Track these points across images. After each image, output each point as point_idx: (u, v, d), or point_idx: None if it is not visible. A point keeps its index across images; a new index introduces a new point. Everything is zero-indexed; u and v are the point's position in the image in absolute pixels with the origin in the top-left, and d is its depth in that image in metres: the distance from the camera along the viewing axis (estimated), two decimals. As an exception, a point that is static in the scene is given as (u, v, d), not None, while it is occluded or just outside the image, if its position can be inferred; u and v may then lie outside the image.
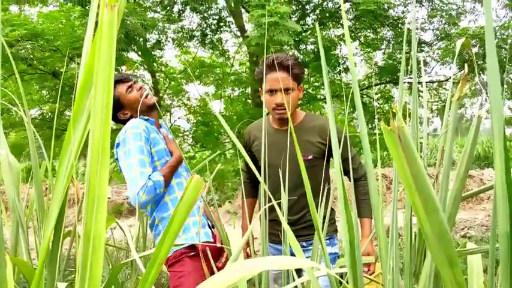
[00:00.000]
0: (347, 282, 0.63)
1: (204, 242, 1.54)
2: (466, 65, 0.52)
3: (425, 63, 4.30)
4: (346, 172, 1.59)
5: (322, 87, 4.87)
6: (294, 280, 1.04)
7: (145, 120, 1.65)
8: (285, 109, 1.57)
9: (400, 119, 0.38)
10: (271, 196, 0.75)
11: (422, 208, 0.40)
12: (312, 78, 4.83)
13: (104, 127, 0.46)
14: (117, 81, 1.69)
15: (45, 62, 3.75)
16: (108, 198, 8.59)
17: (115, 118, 1.69)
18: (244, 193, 1.42)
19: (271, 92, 1.57)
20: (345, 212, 0.64)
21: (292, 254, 1.52)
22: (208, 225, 1.66)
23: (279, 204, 1.04)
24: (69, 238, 1.35)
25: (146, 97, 1.64)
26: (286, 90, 1.55)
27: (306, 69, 4.40)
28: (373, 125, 4.63)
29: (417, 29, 3.92)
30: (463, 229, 6.06)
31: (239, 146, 0.76)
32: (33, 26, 3.36)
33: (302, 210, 1.66)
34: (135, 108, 1.63)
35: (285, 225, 0.62)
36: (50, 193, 1.23)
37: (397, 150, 0.39)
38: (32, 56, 3.60)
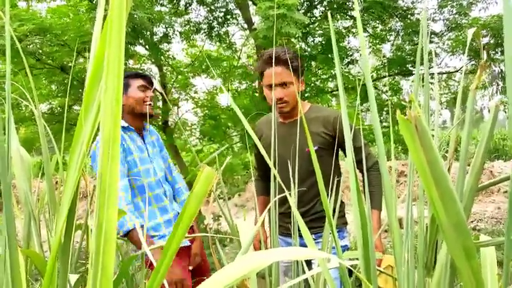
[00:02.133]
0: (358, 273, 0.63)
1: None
2: (484, 51, 0.51)
3: (436, 55, 4.24)
4: (356, 162, 1.58)
5: (330, 79, 4.83)
6: (304, 273, 1.04)
7: (125, 128, 1.67)
8: (285, 103, 1.57)
9: (417, 107, 0.37)
10: (284, 187, 0.74)
11: (438, 198, 0.39)
12: (319, 71, 4.79)
13: (114, 120, 0.46)
14: (140, 76, 1.71)
15: (53, 57, 3.76)
16: (117, 192, 8.66)
17: None
18: (255, 191, 1.43)
19: (271, 86, 1.57)
20: (358, 204, 0.63)
21: (302, 246, 1.52)
22: None
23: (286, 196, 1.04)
24: (80, 231, 1.36)
25: (149, 105, 1.68)
26: (286, 84, 1.55)
27: (313, 62, 4.36)
28: (382, 117, 4.59)
29: (427, 19, 3.86)
30: (472, 222, 6.02)
31: (254, 137, 0.75)
32: (41, 20, 3.38)
33: (310, 202, 1.66)
34: (130, 104, 1.64)
35: (297, 216, 0.62)
36: (61, 186, 1.24)
37: (413, 139, 0.38)
38: (40, 51, 3.62)
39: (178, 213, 1.75)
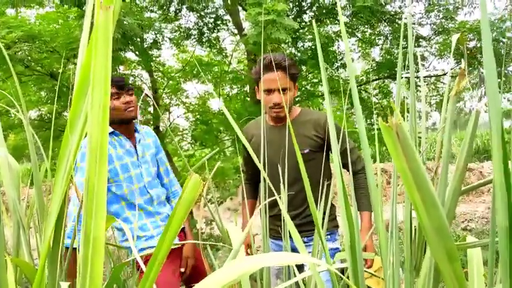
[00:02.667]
0: (348, 277, 0.63)
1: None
2: (463, 60, 0.52)
3: (423, 58, 4.30)
4: (344, 165, 1.60)
5: (321, 83, 4.86)
6: (295, 276, 1.04)
7: (111, 133, 1.66)
8: (282, 108, 1.60)
9: (398, 115, 0.38)
10: (273, 190, 0.75)
11: (421, 204, 0.40)
12: (310, 75, 4.83)
13: (102, 127, 0.46)
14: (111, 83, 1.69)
15: (42, 63, 3.74)
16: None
17: None
18: (244, 194, 1.44)
19: (269, 91, 1.60)
20: (345, 206, 0.64)
21: (293, 249, 1.53)
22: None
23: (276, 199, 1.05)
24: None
25: (126, 110, 1.65)
26: (284, 89, 1.59)
27: (304, 67, 4.40)
28: (372, 120, 4.63)
29: (414, 23, 3.92)
30: (463, 222, 6.08)
31: (244, 140, 0.76)
32: (30, 27, 3.36)
33: (301, 205, 1.68)
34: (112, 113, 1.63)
35: (287, 219, 0.62)
36: (50, 194, 1.23)
37: (395, 147, 0.39)
38: (29, 58, 3.59)
39: (169, 215, 1.75)
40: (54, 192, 0.53)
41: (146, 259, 1.60)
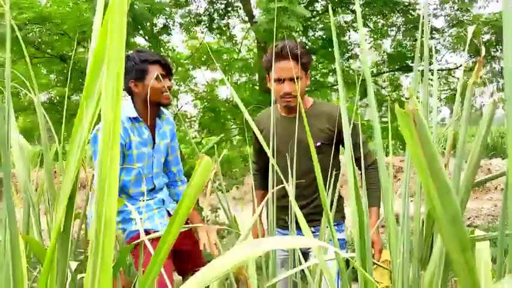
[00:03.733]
0: (353, 269, 0.63)
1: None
2: (483, 47, 0.51)
3: (436, 51, 4.24)
4: (355, 160, 1.59)
5: (331, 74, 4.82)
6: (300, 264, 1.05)
7: (133, 118, 1.60)
8: (293, 97, 1.57)
9: (415, 101, 0.37)
10: (284, 180, 0.75)
11: (435, 192, 0.40)
12: (320, 65, 4.79)
13: (115, 109, 0.46)
14: (159, 62, 1.59)
15: (52, 46, 3.74)
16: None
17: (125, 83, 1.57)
18: (254, 184, 1.43)
19: (280, 80, 1.57)
20: (356, 199, 0.64)
21: None
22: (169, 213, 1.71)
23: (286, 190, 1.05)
24: (78, 221, 1.37)
25: (163, 93, 1.59)
26: (296, 78, 1.55)
27: (314, 56, 4.35)
28: (381, 113, 4.59)
29: (429, 15, 3.85)
30: (469, 218, 6.05)
31: (255, 130, 0.76)
32: (41, 9, 3.35)
33: (311, 196, 1.68)
34: (146, 93, 1.55)
35: (295, 207, 0.62)
36: (59, 176, 1.24)
37: (411, 133, 0.38)
38: (39, 40, 3.60)
39: (163, 199, 1.74)
40: (66, 169, 0.53)
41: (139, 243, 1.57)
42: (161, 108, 1.68)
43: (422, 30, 0.67)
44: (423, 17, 0.64)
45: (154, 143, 1.67)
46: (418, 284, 0.56)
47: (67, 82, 3.60)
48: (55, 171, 1.66)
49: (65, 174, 0.58)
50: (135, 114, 1.60)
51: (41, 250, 0.89)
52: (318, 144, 1.62)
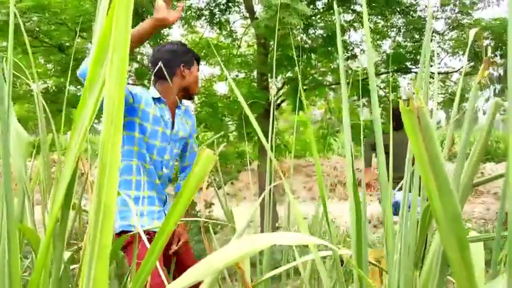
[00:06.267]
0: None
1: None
2: (489, 46, 0.51)
3: (437, 55, 4.25)
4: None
5: (329, 73, 4.82)
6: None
7: (156, 99, 1.59)
8: None
9: (420, 99, 0.37)
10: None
11: (436, 191, 0.40)
12: (319, 64, 4.79)
13: (119, 92, 0.46)
14: (198, 58, 1.73)
15: (51, 35, 3.71)
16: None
17: (162, 71, 1.52)
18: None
19: None
20: (354, 196, 0.64)
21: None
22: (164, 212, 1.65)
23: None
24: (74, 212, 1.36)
25: (198, 89, 1.73)
26: None
27: (313, 55, 4.35)
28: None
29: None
30: (461, 221, 6.10)
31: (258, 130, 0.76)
32: (40, -3, 3.33)
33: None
34: (190, 82, 1.64)
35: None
36: (54, 166, 1.23)
37: (414, 130, 0.38)
38: (38, 29, 3.57)
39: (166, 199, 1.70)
40: (66, 159, 0.53)
41: (130, 240, 1.48)
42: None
43: (421, 31, 0.67)
44: (426, 19, 0.64)
45: (173, 128, 1.64)
46: (414, 282, 0.57)
47: (64, 72, 3.57)
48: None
49: (66, 161, 0.57)
50: (157, 95, 1.59)
51: (35, 238, 0.88)
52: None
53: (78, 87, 4.09)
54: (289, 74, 4.63)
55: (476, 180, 0.80)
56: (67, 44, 3.87)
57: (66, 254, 1.03)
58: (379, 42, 4.99)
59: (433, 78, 1.01)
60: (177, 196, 0.53)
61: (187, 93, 1.67)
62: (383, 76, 5.01)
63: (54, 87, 4.52)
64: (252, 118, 0.81)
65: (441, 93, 5.46)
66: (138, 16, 3.02)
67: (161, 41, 4.13)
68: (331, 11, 4.13)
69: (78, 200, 1.35)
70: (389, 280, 0.61)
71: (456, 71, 4.70)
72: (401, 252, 0.53)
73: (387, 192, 0.59)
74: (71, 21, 3.35)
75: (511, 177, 0.47)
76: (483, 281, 0.77)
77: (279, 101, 4.97)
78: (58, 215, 0.65)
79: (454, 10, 3.90)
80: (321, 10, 4.08)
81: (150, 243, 0.55)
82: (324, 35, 3.99)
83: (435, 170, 0.39)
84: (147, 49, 4.70)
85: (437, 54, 4.25)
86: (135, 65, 4.62)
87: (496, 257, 0.62)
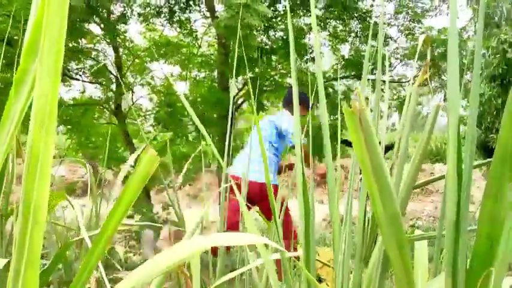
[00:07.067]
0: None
1: None
2: (429, 50, 0.53)
3: (390, 64, 4.43)
4: None
5: (289, 75, 4.88)
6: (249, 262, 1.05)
7: None
8: None
9: (362, 101, 0.38)
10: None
11: (377, 191, 0.40)
12: (279, 66, 4.83)
13: (53, 89, 0.43)
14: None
15: (-3, 27, 3.48)
16: (63, 176, 8.25)
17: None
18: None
19: None
20: (303, 196, 0.64)
21: None
22: None
23: None
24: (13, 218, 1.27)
25: None
26: None
27: (274, 56, 4.38)
28: (335, 116, 4.71)
29: (384, 23, 4.01)
30: (412, 219, 6.39)
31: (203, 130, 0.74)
32: (-15, -14, 3.11)
33: None
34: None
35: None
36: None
37: (356, 132, 0.38)
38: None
39: None
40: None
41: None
42: None
43: (377, 37, 0.68)
44: (377, 24, 0.65)
45: None
46: (359, 281, 0.58)
47: (10, 66, 3.35)
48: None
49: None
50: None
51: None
52: None
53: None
54: (250, 75, 4.64)
55: (421, 181, 0.83)
56: (15, 37, 3.64)
57: (2, 262, 0.96)
58: (338, 46, 5.12)
59: (385, 82, 1.04)
60: (118, 198, 0.50)
61: None
62: (342, 81, 5.14)
63: (0, 84, 4.23)
64: (200, 126, 0.79)
65: (394, 99, 5.70)
66: (91, 9, 2.89)
67: (118, 38, 4.00)
68: (292, 13, 4.19)
69: (16, 204, 1.27)
70: (337, 279, 0.61)
71: (408, 81, 4.92)
72: (345, 252, 0.53)
73: (334, 195, 0.59)
74: (19, 13, 3.15)
75: (450, 180, 0.49)
76: (426, 277, 0.80)
77: (239, 102, 4.96)
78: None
79: (407, 18, 4.08)
80: (282, 12, 4.12)
81: None
82: (284, 37, 4.03)
83: (375, 171, 0.39)
84: (102, 46, 4.52)
85: (389, 60, 4.42)
86: (89, 62, 4.44)
87: (437, 255, 0.65)
